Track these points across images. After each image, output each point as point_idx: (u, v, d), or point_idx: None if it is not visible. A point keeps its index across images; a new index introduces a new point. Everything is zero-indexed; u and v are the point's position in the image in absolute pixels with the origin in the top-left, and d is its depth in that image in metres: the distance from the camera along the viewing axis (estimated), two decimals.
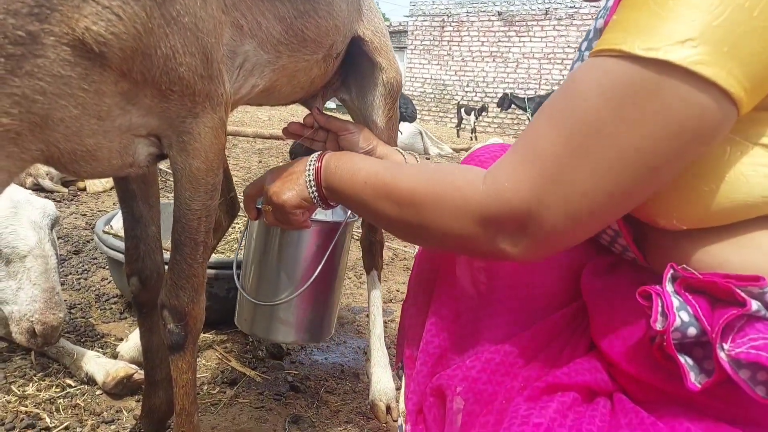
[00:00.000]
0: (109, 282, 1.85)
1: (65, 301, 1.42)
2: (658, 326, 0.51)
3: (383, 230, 1.09)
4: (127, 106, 0.73)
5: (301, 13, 0.97)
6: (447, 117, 14.60)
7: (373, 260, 1.48)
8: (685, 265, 0.54)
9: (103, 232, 1.60)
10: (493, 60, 13.74)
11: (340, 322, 1.79)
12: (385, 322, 1.58)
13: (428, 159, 6.82)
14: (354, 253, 2.36)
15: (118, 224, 1.64)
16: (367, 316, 1.79)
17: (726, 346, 0.48)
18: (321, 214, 1.12)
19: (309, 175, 0.81)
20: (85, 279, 1.85)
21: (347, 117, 1.30)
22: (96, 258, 2.05)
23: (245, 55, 0.92)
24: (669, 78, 0.48)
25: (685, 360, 0.50)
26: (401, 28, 15.48)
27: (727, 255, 0.55)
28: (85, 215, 2.62)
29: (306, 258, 1.06)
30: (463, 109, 11.92)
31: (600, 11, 0.67)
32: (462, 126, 12.08)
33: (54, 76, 0.65)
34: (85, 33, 0.64)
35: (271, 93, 1.08)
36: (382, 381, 1.36)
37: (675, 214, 0.56)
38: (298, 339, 1.13)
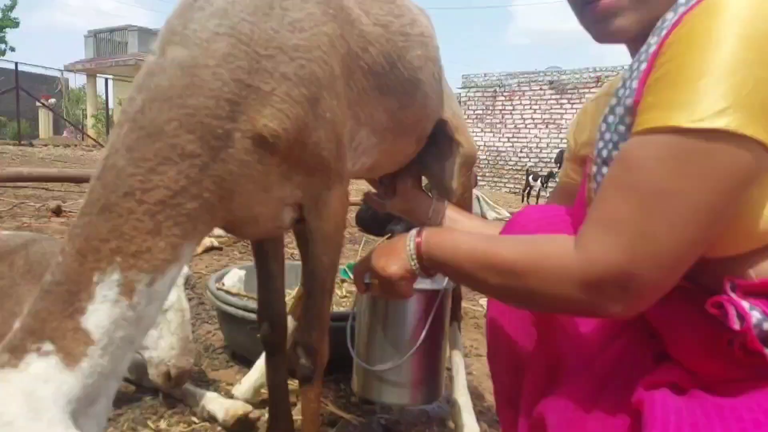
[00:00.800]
0: (214, 334, 2.08)
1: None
2: (737, 326, 0.62)
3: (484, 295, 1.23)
4: (284, 181, 0.95)
5: (403, 106, 1.20)
6: (501, 181, 14.79)
7: (454, 313, 1.63)
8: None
9: (217, 288, 1.83)
10: (546, 126, 13.97)
11: None
12: None
13: None
14: None
15: (229, 281, 1.87)
16: (447, 368, 1.93)
17: None
18: (422, 283, 1.21)
19: (410, 249, 0.93)
20: (193, 332, 2.09)
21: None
22: (199, 314, 2.29)
23: (360, 139, 1.14)
24: (716, 141, 0.60)
25: None
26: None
27: (761, 264, 0.67)
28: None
29: (411, 324, 1.18)
30: (531, 176, 12.00)
31: (619, 90, 0.76)
32: (529, 192, 12.09)
33: (239, 161, 0.86)
34: (264, 129, 0.87)
35: (373, 169, 1.30)
36: (469, 426, 1.49)
37: (722, 246, 0.67)
38: (411, 400, 1.25)
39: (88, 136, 18.13)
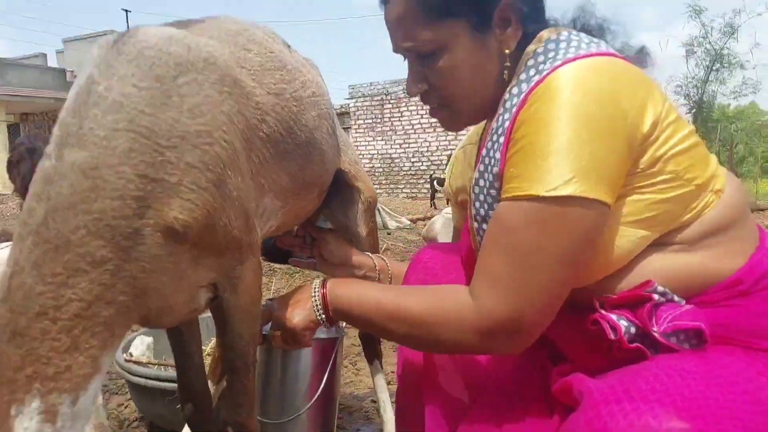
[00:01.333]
0: (127, 406, 1.96)
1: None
2: (612, 336, 0.77)
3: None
4: (196, 266, 0.94)
5: (303, 167, 1.22)
6: (398, 188, 15.14)
7: (374, 350, 1.67)
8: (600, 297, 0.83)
9: (125, 360, 1.74)
10: (434, 130, 14.52)
11: (348, 410, 1.95)
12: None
13: (389, 233, 7.10)
14: (348, 340, 2.53)
15: (136, 351, 1.78)
16: (372, 401, 1.97)
17: (656, 329, 0.76)
18: (319, 333, 1.21)
19: (316, 300, 1.01)
20: (104, 407, 1.96)
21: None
22: (107, 385, 2.16)
23: (265, 205, 1.15)
24: (567, 205, 0.75)
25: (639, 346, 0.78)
26: (343, 110, 16.19)
27: (619, 282, 0.83)
28: None
29: (309, 373, 1.20)
30: (435, 181, 12.36)
31: (485, 158, 0.90)
32: (434, 195, 12.45)
33: (151, 256, 0.84)
34: (174, 221, 0.85)
35: (280, 228, 1.31)
36: None
37: (585, 279, 0.83)
38: None
39: None
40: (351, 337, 2.45)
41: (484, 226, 0.89)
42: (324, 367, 1.19)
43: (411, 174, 14.94)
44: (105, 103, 0.83)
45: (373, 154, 15.57)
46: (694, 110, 17.10)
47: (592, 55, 0.80)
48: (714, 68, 16.35)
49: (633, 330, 0.77)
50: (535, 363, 1.00)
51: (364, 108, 15.48)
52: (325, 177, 1.36)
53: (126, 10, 23.06)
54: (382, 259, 1.36)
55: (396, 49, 0.96)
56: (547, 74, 0.79)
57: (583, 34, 0.86)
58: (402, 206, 11.51)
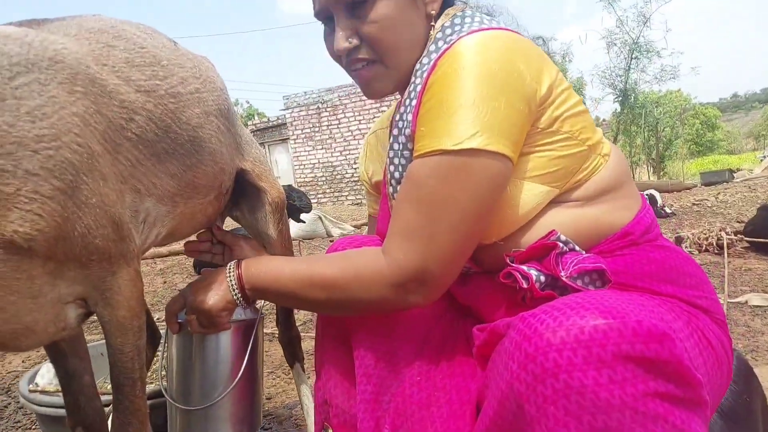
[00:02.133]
0: None
1: None
2: (525, 285, 0.83)
3: (311, 313, 1.26)
4: (55, 281, 0.86)
5: (189, 167, 1.15)
6: (342, 195, 15.07)
7: (294, 354, 1.62)
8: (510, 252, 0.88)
9: (30, 391, 1.61)
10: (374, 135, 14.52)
11: (279, 419, 1.88)
12: None
13: (332, 241, 7.03)
14: (280, 350, 2.46)
15: (42, 380, 1.65)
16: (301, 408, 1.90)
17: (563, 273, 0.81)
18: (236, 315, 1.18)
19: (231, 280, 0.99)
20: None
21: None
22: (19, 421, 2.00)
23: (146, 211, 1.08)
24: (472, 157, 0.79)
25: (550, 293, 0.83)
26: (280, 121, 16.01)
27: (526, 238, 0.89)
28: None
29: (230, 356, 1.16)
30: None
31: (398, 122, 0.95)
32: None
33: None
34: (14, 234, 0.78)
35: (174, 235, 1.24)
36: None
37: (495, 233, 0.89)
38: None
39: None
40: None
41: (399, 188, 0.92)
42: (244, 350, 1.14)
43: (354, 180, 14.89)
44: None
45: (314, 164, 15.45)
46: (620, 98, 17.87)
47: (493, 28, 0.86)
48: (633, 57, 17.13)
49: (543, 279, 0.83)
50: (459, 327, 1.02)
51: (301, 118, 15.34)
52: (221, 177, 1.30)
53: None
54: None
55: (323, 2, 0.95)
56: (454, 42, 0.85)
57: (482, 15, 0.93)
58: (348, 213, 11.44)
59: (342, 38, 0.94)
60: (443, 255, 0.82)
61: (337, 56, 0.98)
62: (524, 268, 0.84)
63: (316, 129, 15.27)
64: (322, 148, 15.26)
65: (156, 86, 1.09)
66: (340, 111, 14.90)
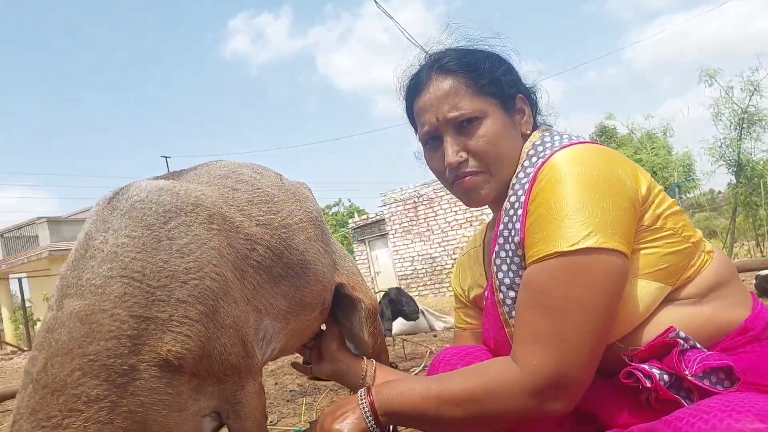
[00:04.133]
0: None
1: None
2: (648, 384, 0.82)
3: None
4: (197, 396, 1.00)
5: (298, 287, 1.30)
6: (443, 287, 15.02)
7: None
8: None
9: None
10: (470, 225, 14.60)
11: None
12: None
13: (435, 335, 6.97)
14: None
15: None
16: None
17: (688, 372, 0.80)
18: None
19: (364, 408, 1.00)
20: None
21: None
22: None
23: (265, 328, 1.22)
24: (590, 255, 0.84)
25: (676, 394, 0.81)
26: (379, 217, 16.57)
27: (643, 337, 0.90)
28: None
29: None
30: None
31: (503, 232, 1.01)
32: None
33: (148, 389, 0.90)
34: (168, 354, 0.92)
35: (285, 350, 1.37)
36: None
37: (613, 333, 0.89)
38: None
39: (6, 343, 16.55)
40: None
41: (510, 293, 0.98)
42: None
43: None
44: (101, 254, 0.94)
45: (414, 256, 15.66)
46: (734, 169, 16.76)
47: (582, 142, 0.96)
48: (743, 125, 16.20)
49: (666, 378, 0.82)
50: None
51: (399, 213, 15.81)
52: (324, 294, 1.44)
53: (165, 157, 24.79)
54: (373, 362, 1.40)
55: (434, 124, 1.07)
56: (549, 156, 0.95)
57: (562, 133, 1.04)
58: (450, 304, 11.34)
59: (453, 153, 1.04)
60: (577, 356, 0.83)
61: (442, 170, 1.09)
62: (646, 366, 0.84)
63: (414, 222, 15.61)
64: (420, 241, 15.50)
65: (270, 220, 1.27)
66: (436, 203, 15.20)
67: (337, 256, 1.58)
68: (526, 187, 0.95)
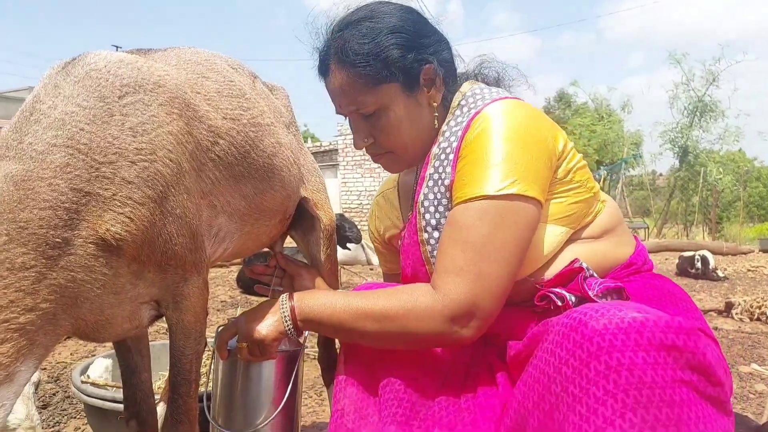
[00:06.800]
0: (83, 430, 1.93)
1: None
2: (560, 304, 0.93)
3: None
4: (136, 281, 0.96)
5: (260, 191, 1.25)
6: None
7: (332, 375, 1.67)
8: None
9: (82, 382, 1.72)
10: None
11: None
12: None
13: (371, 269, 7.10)
14: (312, 371, 2.52)
15: (95, 372, 1.77)
16: None
17: (591, 293, 0.92)
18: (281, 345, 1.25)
19: (284, 312, 1.05)
20: (61, 431, 1.93)
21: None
22: (65, 409, 2.12)
23: (219, 226, 1.17)
24: (514, 201, 0.94)
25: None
26: (332, 147, 16.35)
27: (549, 271, 1.03)
28: (45, 369, 2.67)
29: (274, 384, 1.22)
30: None
31: (433, 176, 1.07)
32: None
33: (82, 266, 0.85)
34: (106, 233, 0.87)
35: (239, 252, 1.34)
36: None
37: (524, 270, 1.01)
38: None
39: None
40: (317, 368, 2.44)
41: (435, 234, 1.06)
42: (287, 379, 1.21)
43: None
44: (47, 120, 0.86)
45: (361, 191, 15.66)
46: (680, 155, 17.44)
47: (506, 98, 1.05)
48: (696, 113, 16.76)
49: (573, 299, 0.93)
50: (482, 355, 1.11)
51: (352, 146, 15.62)
52: (287, 203, 1.39)
53: (116, 46, 23.33)
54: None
55: (339, 112, 1.13)
56: (482, 107, 1.03)
57: (492, 87, 1.12)
58: None
59: (359, 139, 1.13)
60: (491, 289, 0.92)
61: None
62: (557, 290, 0.96)
63: (366, 157, 15.39)
64: (370, 176, 15.47)
65: (240, 115, 1.20)
66: None
67: (305, 169, 1.53)
68: (459, 134, 1.03)
